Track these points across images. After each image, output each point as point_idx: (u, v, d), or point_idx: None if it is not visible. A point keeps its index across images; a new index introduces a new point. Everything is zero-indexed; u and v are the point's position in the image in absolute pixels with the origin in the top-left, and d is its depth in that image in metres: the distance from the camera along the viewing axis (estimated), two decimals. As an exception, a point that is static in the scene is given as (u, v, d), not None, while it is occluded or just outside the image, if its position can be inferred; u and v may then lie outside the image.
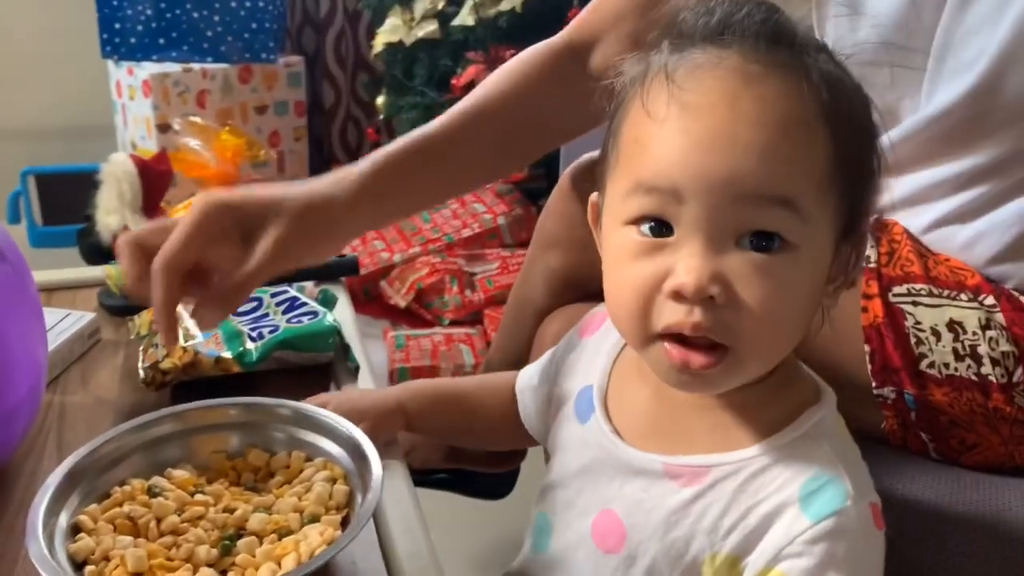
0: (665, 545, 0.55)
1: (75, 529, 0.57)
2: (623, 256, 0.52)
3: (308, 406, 0.66)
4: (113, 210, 1.63)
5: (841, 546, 0.50)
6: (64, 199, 2.22)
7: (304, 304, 0.83)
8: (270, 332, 0.78)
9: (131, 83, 2.25)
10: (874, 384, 0.71)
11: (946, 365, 0.69)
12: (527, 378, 0.71)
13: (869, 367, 0.71)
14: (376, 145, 2.62)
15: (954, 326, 0.70)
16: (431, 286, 2.08)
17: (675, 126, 0.49)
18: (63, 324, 0.84)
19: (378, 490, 0.57)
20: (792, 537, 0.50)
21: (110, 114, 2.40)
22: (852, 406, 0.71)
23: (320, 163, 2.72)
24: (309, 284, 0.89)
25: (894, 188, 0.73)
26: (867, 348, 0.71)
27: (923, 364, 0.70)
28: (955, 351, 0.69)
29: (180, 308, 0.81)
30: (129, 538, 0.56)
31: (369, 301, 2.20)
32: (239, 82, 2.33)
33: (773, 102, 0.49)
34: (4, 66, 2.46)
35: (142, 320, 0.83)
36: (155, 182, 1.66)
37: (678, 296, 0.49)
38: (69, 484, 0.58)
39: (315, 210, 0.70)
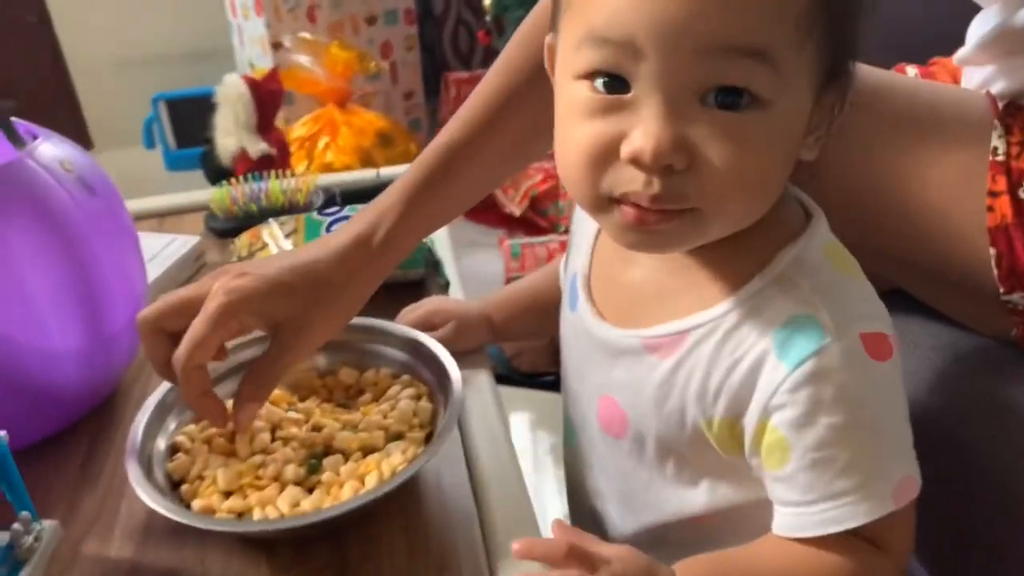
0: (663, 421, 0.53)
1: (174, 449, 0.59)
2: (574, 113, 0.47)
3: (388, 323, 0.66)
4: (230, 132, 1.69)
5: (827, 388, 0.46)
6: (193, 122, 2.31)
7: (394, 220, 0.82)
8: (360, 250, 0.78)
9: (244, 2, 2.28)
10: (1002, 290, 0.65)
11: None
12: (561, 263, 0.69)
13: (995, 271, 0.64)
14: (488, 49, 2.56)
15: None
16: (545, 192, 2.05)
17: None
18: (169, 249, 0.87)
19: (457, 409, 0.57)
20: (774, 388, 0.47)
21: (228, 35, 2.45)
22: (978, 310, 0.65)
23: (433, 71, 2.70)
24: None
25: None
26: (993, 251, 0.64)
27: None
28: None
29: (268, 231, 0.82)
30: (222, 457, 0.58)
31: (484, 210, 2.20)
32: (347, -7, 2.32)
33: None
34: (115, 5, 2.54)
35: (242, 242, 0.85)
36: (267, 101, 1.70)
37: (636, 163, 0.44)
38: (167, 407, 0.61)
39: (347, 290, 0.61)
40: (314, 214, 0.85)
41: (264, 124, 1.69)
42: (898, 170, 0.63)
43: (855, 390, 0.47)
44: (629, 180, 0.45)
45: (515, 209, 2.08)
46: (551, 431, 1.41)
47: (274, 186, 0.94)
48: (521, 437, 1.48)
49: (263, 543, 0.55)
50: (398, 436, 0.59)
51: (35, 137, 0.63)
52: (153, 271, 0.83)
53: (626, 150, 0.44)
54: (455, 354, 0.65)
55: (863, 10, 0.47)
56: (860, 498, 0.47)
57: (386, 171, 1.03)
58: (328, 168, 1.97)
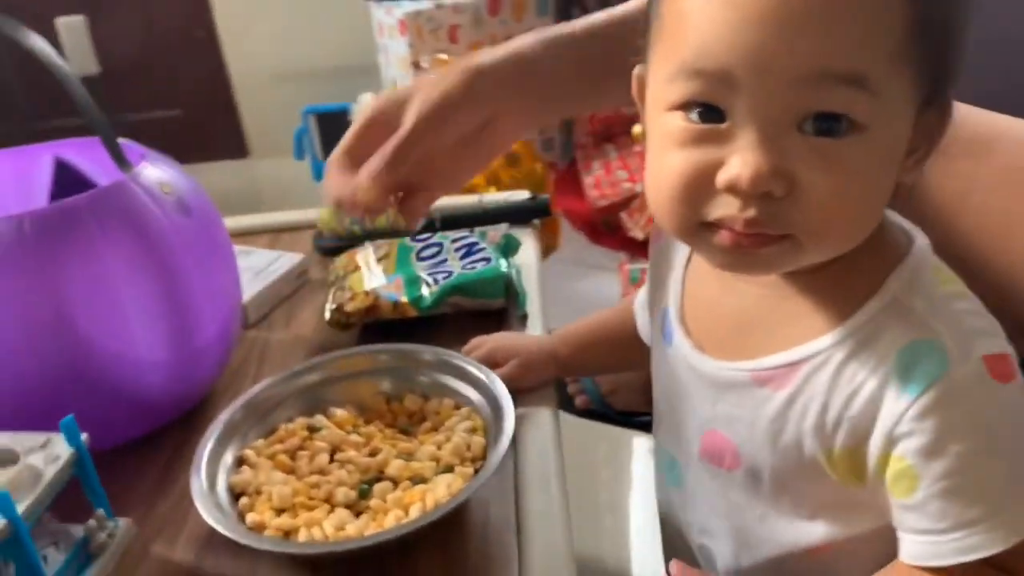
0: (778, 454, 0.51)
1: (240, 462, 0.63)
2: (668, 143, 0.46)
3: (451, 352, 0.67)
4: (361, 148, 1.76)
5: (955, 414, 0.45)
6: (339, 136, 2.42)
7: (482, 250, 0.84)
8: (444, 278, 0.80)
9: (390, 22, 2.37)
10: None
11: None
12: (639, 297, 0.70)
13: None
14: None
15: None
16: (671, 217, 2.02)
17: None
18: (275, 265, 0.92)
19: (503, 448, 0.57)
20: (898, 417, 0.45)
21: (374, 54, 2.55)
22: None
23: (570, 91, 2.71)
24: (495, 229, 0.90)
25: None
26: None
27: None
28: None
29: (363, 254, 0.85)
30: (281, 475, 0.60)
31: (609, 233, 2.19)
32: (488, 14, 2.37)
33: None
34: (281, 14, 2.70)
35: (340, 262, 0.88)
36: (398, 120, 1.75)
37: (732, 191, 0.44)
38: (239, 421, 0.64)
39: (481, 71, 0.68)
40: (407, 240, 0.88)
41: (394, 142, 1.75)
42: (993, 221, 0.59)
43: (983, 415, 0.45)
44: (724, 205, 0.45)
45: (639, 233, 2.06)
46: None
47: (378, 208, 0.97)
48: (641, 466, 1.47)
49: (308, 562, 0.57)
50: (449, 468, 0.60)
51: (142, 159, 0.68)
52: (257, 285, 0.87)
53: (723, 178, 0.44)
54: (520, 390, 0.66)
55: (963, 35, 0.46)
56: (994, 525, 0.45)
57: (489, 197, 1.05)
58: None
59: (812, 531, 0.54)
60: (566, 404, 1.15)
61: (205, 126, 2.93)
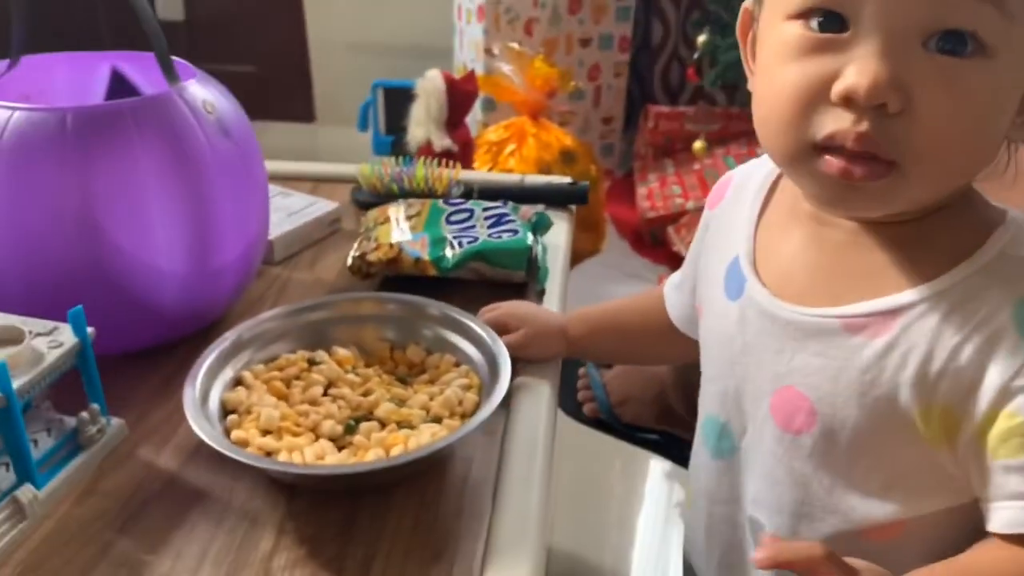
0: (866, 410, 0.49)
1: (238, 382, 0.63)
2: (784, 54, 0.46)
3: (457, 310, 0.67)
4: (421, 123, 1.78)
5: None
6: (403, 112, 2.45)
7: (511, 221, 0.84)
8: (469, 242, 0.80)
9: (469, 7, 2.38)
10: None
11: None
12: (672, 279, 0.71)
13: None
14: (697, 87, 2.54)
15: None
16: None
17: None
18: (310, 209, 0.93)
19: (489, 409, 0.57)
20: (1017, 370, 0.44)
21: (450, 36, 2.57)
22: None
23: (640, 100, 2.70)
24: (530, 207, 0.89)
25: None
26: None
27: None
28: None
29: (395, 209, 0.86)
30: (272, 399, 0.61)
31: (655, 245, 2.18)
32: (567, 12, 2.37)
33: None
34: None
35: (371, 215, 0.89)
36: (460, 100, 1.77)
37: (847, 101, 0.43)
38: (244, 342, 0.65)
39: None
40: (440, 202, 0.88)
41: (453, 121, 1.76)
42: None
43: None
44: (836, 119, 0.44)
45: (683, 249, 2.04)
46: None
47: (419, 171, 0.97)
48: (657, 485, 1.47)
49: (285, 486, 0.57)
50: (437, 420, 0.60)
51: (192, 77, 0.69)
52: (288, 225, 0.89)
53: (839, 87, 0.43)
54: (525, 359, 0.67)
55: None
56: None
57: (531, 178, 1.05)
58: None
59: (882, 507, 0.51)
60: (575, 410, 1.15)
61: (277, 86, 2.97)
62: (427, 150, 1.74)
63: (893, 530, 0.52)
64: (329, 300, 0.69)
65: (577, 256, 2.16)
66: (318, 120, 3.10)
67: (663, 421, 1.09)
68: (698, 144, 2.20)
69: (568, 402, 1.17)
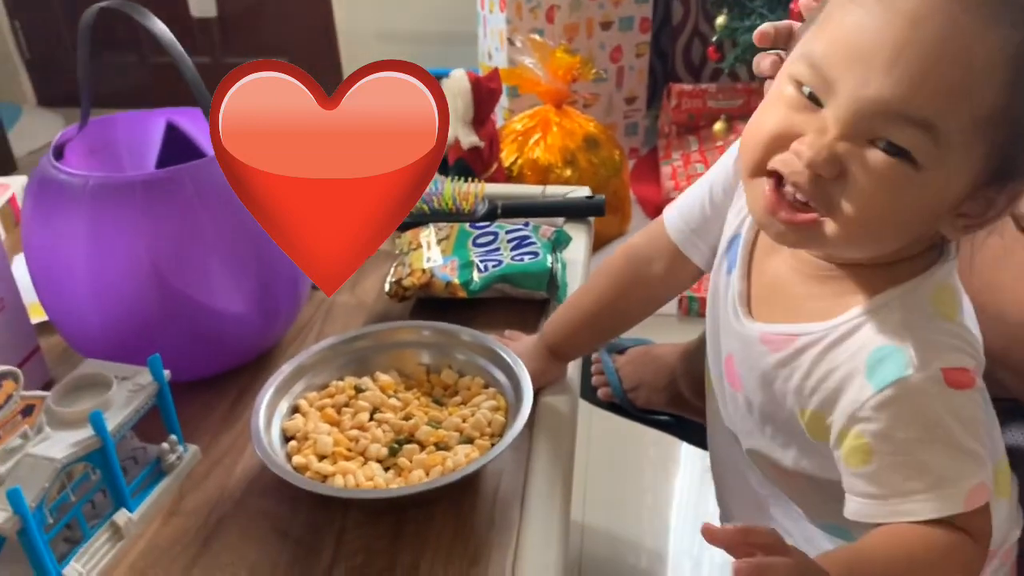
0: (766, 397, 0.65)
1: (295, 409, 0.72)
2: (778, 100, 0.57)
3: (487, 336, 0.75)
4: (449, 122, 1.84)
5: (906, 409, 0.55)
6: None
7: (532, 243, 0.91)
8: (494, 266, 0.88)
9: (491, -3, 2.43)
10: None
11: None
12: (679, 216, 0.76)
13: None
14: (717, 65, 2.56)
15: None
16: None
17: (860, 18, 0.52)
18: (348, 233, 1.01)
19: (517, 430, 0.65)
20: (860, 403, 0.56)
21: (475, 24, 2.62)
22: None
23: (663, 78, 2.74)
24: (550, 223, 0.97)
25: None
26: None
27: None
28: None
29: (426, 234, 0.93)
30: (327, 425, 0.70)
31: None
32: (588, -2, 2.41)
33: (963, 29, 0.49)
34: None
35: (403, 239, 0.97)
36: (485, 98, 1.83)
37: (797, 155, 0.54)
38: (298, 373, 0.74)
39: None
40: (467, 225, 0.96)
41: (479, 118, 1.83)
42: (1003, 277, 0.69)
43: (935, 411, 0.55)
44: (786, 161, 0.55)
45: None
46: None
47: (447, 190, 1.05)
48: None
49: (340, 504, 0.66)
50: (469, 440, 0.68)
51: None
52: (329, 250, 0.97)
53: (796, 145, 0.55)
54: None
55: None
56: (930, 498, 0.55)
57: (552, 189, 1.12)
58: (535, 164, 2.08)
59: (785, 456, 0.67)
60: (590, 394, 1.21)
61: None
62: (455, 148, 1.81)
63: (794, 476, 0.68)
64: (371, 330, 0.78)
65: (603, 238, 2.23)
66: (349, 108, 3.18)
67: (673, 405, 1.15)
68: (718, 125, 2.24)
69: (584, 387, 1.23)
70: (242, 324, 0.76)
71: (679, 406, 1.13)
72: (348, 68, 3.07)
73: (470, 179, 1.06)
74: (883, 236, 0.56)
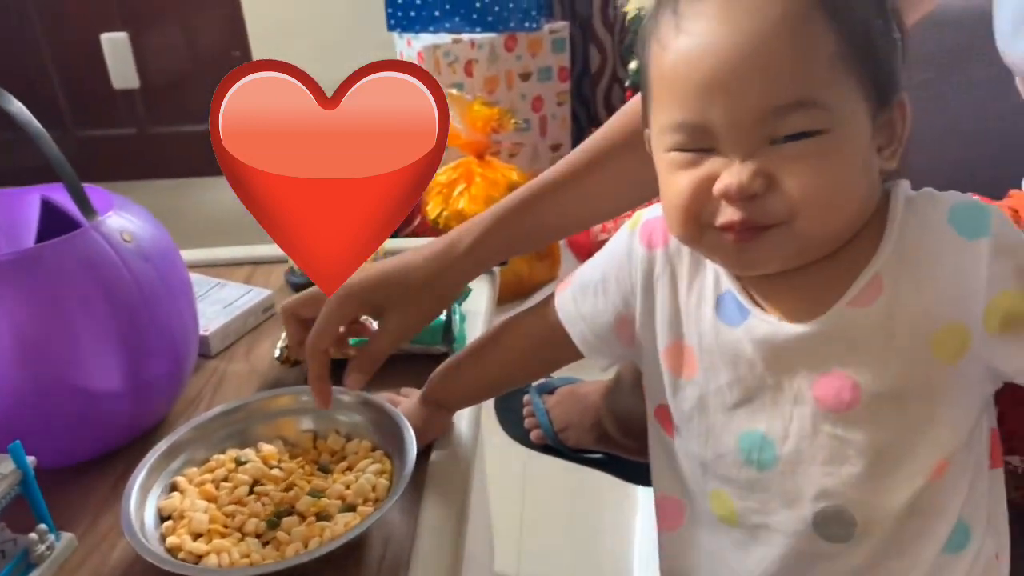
0: (894, 356, 0.57)
1: (173, 487, 0.70)
2: (672, 169, 0.57)
3: (383, 401, 0.74)
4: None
5: (1014, 236, 0.55)
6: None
7: (426, 298, 0.90)
8: (388, 324, 0.86)
9: (409, 54, 2.45)
10: None
11: None
12: (574, 305, 0.70)
13: None
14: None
15: None
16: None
17: (684, 57, 0.54)
18: (243, 299, 0.99)
19: (394, 498, 0.63)
20: (980, 258, 0.54)
21: (397, 81, 2.64)
22: None
23: (586, 124, 2.78)
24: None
25: None
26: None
27: None
28: None
29: None
30: (204, 503, 0.67)
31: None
32: (504, 50, 2.44)
33: (765, 13, 0.52)
34: (311, 39, 2.80)
35: (300, 301, 0.95)
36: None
37: (726, 197, 0.54)
38: (176, 449, 0.71)
39: (433, 286, 0.77)
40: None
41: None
42: None
43: None
44: (722, 212, 0.55)
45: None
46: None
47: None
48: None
49: (221, 583, 0.63)
50: (352, 508, 0.66)
51: (110, 207, 0.75)
52: (224, 318, 0.95)
53: (717, 188, 0.55)
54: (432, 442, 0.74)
55: (888, 39, 0.56)
56: None
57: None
58: (460, 215, 2.09)
59: (938, 437, 0.58)
60: (523, 436, 1.21)
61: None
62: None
63: (948, 464, 0.59)
64: (251, 400, 0.76)
65: (532, 284, 2.24)
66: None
67: (602, 444, 1.16)
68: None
69: (516, 429, 1.23)
70: (118, 401, 0.74)
71: (607, 444, 1.13)
72: (275, 131, 3.06)
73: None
74: (846, 202, 0.55)
